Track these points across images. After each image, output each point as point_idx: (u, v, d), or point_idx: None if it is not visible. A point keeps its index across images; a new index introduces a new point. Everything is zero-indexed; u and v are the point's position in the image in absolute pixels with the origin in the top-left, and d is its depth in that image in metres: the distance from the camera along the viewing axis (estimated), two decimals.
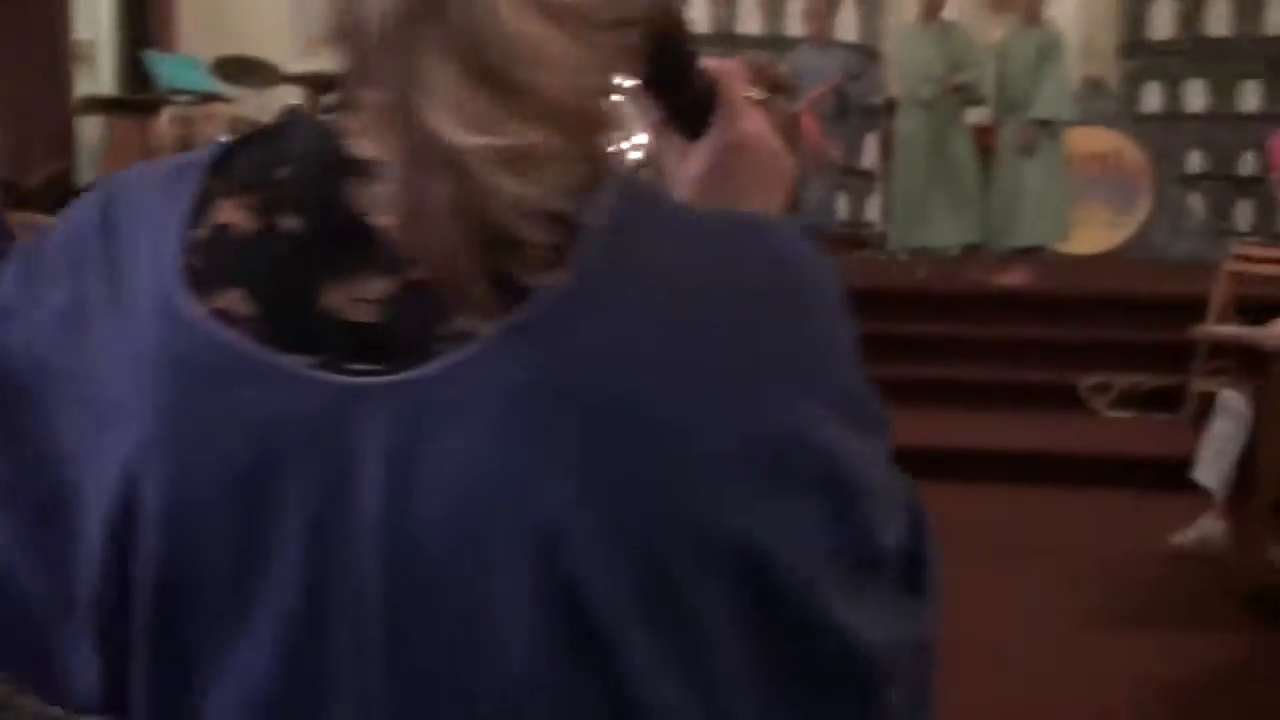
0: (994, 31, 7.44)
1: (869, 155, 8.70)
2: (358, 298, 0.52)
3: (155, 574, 0.54)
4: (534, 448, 0.51)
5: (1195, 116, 8.27)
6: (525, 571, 0.51)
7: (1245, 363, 4.42)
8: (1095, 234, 8.30)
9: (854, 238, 8.68)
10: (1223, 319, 5.76)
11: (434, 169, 0.50)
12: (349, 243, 0.53)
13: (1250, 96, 8.10)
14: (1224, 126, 8.16)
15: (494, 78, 0.50)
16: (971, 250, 7.23)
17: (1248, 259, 5.81)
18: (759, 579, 0.54)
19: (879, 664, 0.58)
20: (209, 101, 9.94)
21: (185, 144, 10.20)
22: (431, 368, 0.52)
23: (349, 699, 0.53)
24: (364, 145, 0.55)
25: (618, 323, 0.52)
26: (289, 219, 0.54)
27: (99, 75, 10.09)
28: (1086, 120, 8.24)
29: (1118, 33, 8.53)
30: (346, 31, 0.53)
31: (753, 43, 8.64)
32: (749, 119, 0.80)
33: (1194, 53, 8.24)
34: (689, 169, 0.80)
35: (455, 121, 0.50)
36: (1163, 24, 8.34)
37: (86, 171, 9.84)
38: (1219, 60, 8.16)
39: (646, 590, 0.51)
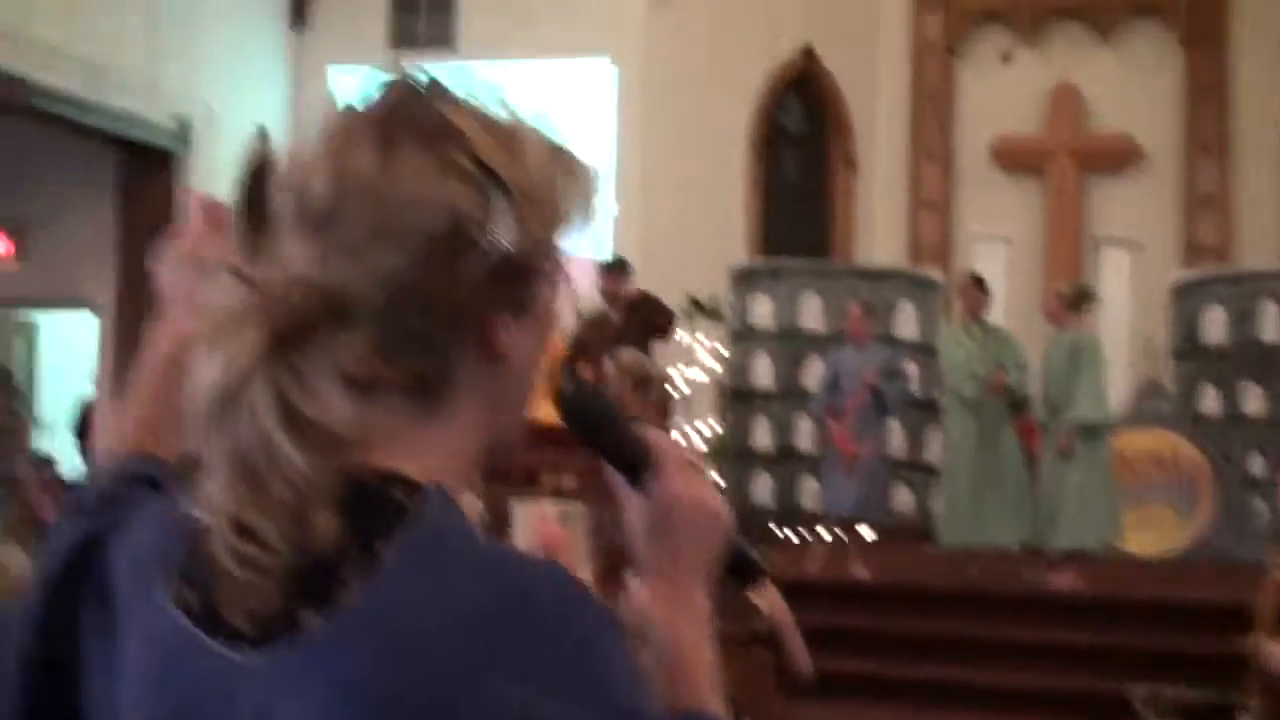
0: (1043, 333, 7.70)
1: (933, 449, 8.86)
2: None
3: None
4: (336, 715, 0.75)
5: (1254, 420, 8.35)
6: None
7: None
8: (1161, 536, 8.30)
9: (919, 530, 8.74)
10: (1270, 632, 5.70)
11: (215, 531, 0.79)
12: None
13: None
14: None
15: (247, 471, 0.78)
16: (1024, 548, 7.28)
17: None
18: None
19: None
20: None
21: None
22: (278, 653, 0.76)
23: None
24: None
25: (399, 632, 0.75)
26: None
27: None
28: (1144, 421, 8.39)
29: (1171, 336, 8.75)
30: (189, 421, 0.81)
31: (814, 339, 9.01)
32: (678, 482, 0.97)
33: (1246, 357, 8.40)
34: (633, 521, 0.99)
35: (222, 498, 0.78)
36: (1215, 329, 8.54)
37: None
38: (1271, 366, 8.30)
39: None
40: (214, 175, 10.77)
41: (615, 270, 7.72)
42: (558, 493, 8.67)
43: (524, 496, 8.28)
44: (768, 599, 4.45)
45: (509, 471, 9.45)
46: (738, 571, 1.04)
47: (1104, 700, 6.02)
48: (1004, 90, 10.78)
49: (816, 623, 4.78)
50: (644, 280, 10.14)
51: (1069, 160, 10.53)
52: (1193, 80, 10.40)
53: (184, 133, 10.35)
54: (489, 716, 0.73)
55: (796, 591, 4.68)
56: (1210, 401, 8.52)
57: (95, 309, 10.42)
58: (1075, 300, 7.08)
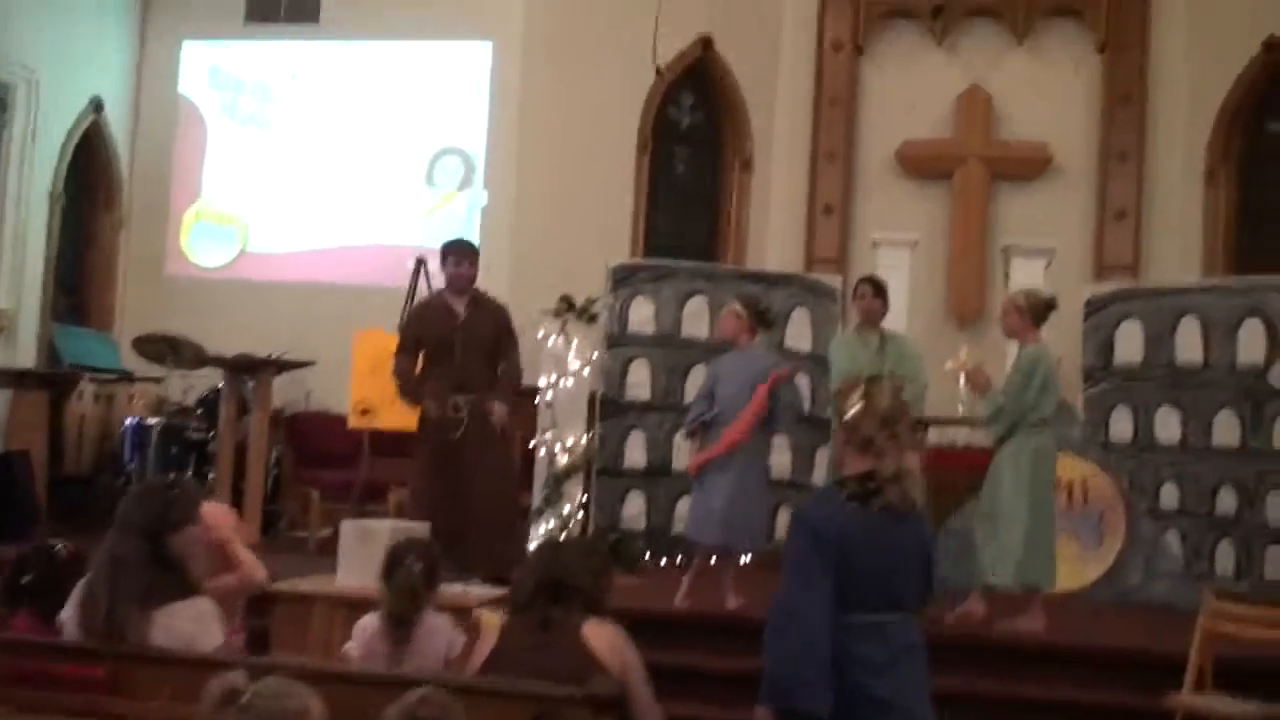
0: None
1: (821, 470, 8.02)
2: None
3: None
4: None
5: (1168, 447, 7.66)
6: None
7: None
8: (1064, 571, 7.52)
9: None
10: (1199, 687, 4.92)
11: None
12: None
13: (1225, 430, 7.48)
14: (1199, 460, 7.53)
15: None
16: None
17: (1227, 617, 4.98)
18: None
19: None
20: (127, 380, 9.42)
21: (105, 421, 9.60)
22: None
23: None
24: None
25: None
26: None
27: (18, 346, 9.60)
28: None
29: (1083, 355, 8.02)
30: None
31: (698, 347, 8.16)
32: None
33: (1162, 379, 7.72)
34: None
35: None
36: (1131, 347, 7.84)
37: None
38: (1189, 388, 7.62)
39: None
40: (32, 143, 9.65)
41: (471, 253, 6.57)
42: None
43: None
44: (612, 644, 3.39)
45: None
46: None
47: None
48: (911, 92, 10.08)
49: (677, 661, 3.83)
50: (515, 276, 9.21)
51: (979, 166, 9.84)
52: (1110, 87, 9.77)
53: (1, 97, 9.22)
54: None
55: (660, 626, 3.76)
56: (1123, 426, 7.82)
57: None
58: (1040, 311, 6.03)
